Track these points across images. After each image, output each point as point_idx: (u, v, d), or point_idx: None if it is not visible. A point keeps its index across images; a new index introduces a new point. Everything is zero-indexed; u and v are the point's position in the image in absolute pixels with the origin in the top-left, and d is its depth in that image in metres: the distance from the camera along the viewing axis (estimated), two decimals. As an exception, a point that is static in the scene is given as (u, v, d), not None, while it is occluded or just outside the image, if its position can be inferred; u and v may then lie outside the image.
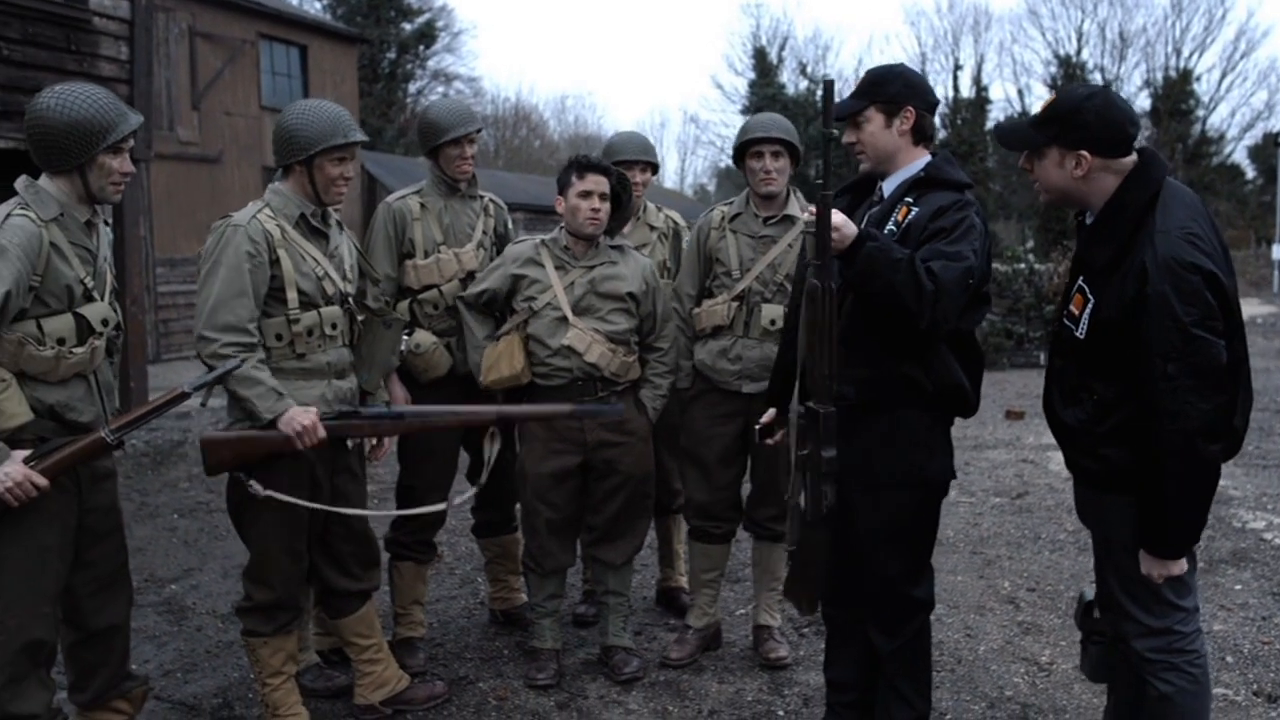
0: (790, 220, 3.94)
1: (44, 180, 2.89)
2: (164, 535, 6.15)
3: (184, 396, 3.03)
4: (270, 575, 3.32)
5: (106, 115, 2.85)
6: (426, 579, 4.27)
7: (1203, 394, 2.45)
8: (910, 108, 2.97)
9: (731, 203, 4.10)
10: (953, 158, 3.11)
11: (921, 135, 3.01)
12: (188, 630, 4.61)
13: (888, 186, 3.03)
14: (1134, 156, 2.63)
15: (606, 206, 3.76)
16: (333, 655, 4.08)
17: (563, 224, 3.86)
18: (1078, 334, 2.67)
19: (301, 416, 3.15)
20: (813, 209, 2.71)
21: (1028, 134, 2.70)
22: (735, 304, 3.92)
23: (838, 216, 2.73)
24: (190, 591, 5.14)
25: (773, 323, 3.85)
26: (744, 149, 3.95)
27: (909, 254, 2.75)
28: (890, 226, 2.91)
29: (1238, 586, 4.95)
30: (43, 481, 2.76)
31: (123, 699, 3.20)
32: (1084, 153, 2.58)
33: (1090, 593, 3.00)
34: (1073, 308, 2.70)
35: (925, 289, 2.71)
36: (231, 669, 4.12)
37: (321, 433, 3.18)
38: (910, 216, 2.89)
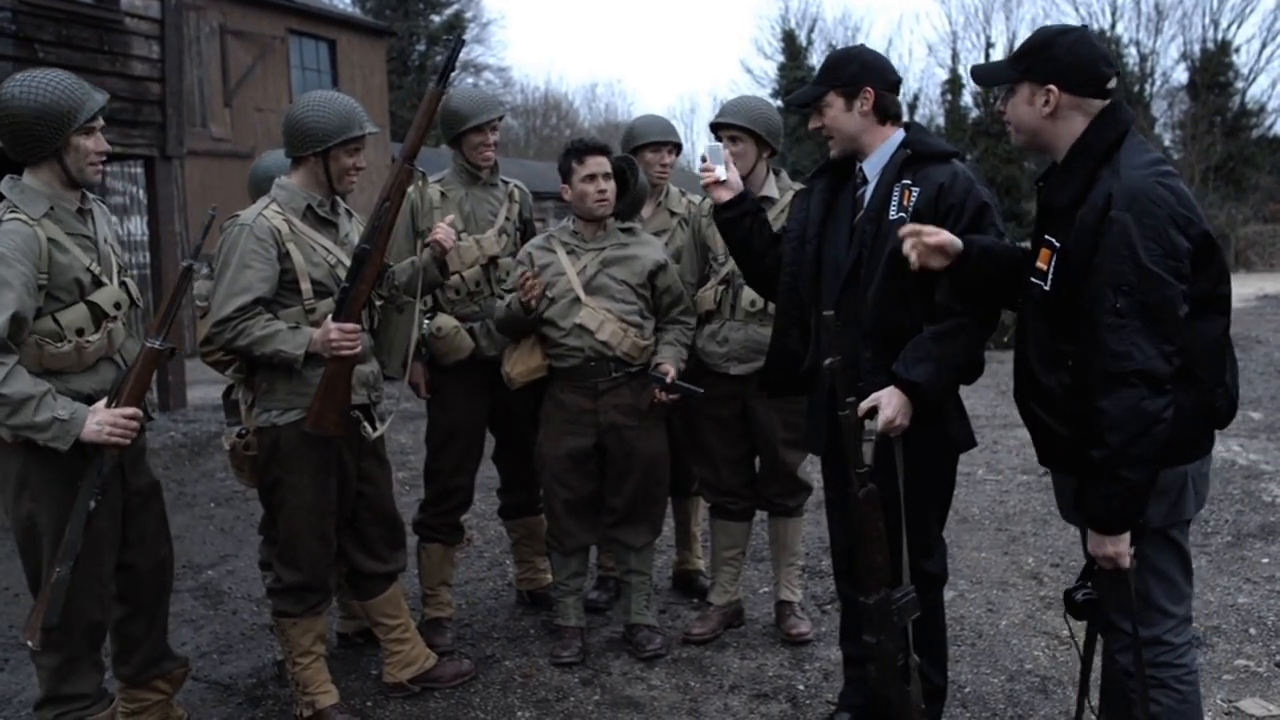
0: (768, 201, 3.98)
1: (27, 176, 2.93)
2: (201, 523, 6.30)
3: (189, 270, 3.07)
4: (299, 558, 3.41)
5: (73, 96, 2.86)
6: (454, 560, 4.35)
7: (1151, 338, 2.27)
8: (869, 88, 2.98)
9: None
10: (925, 127, 3.13)
11: (886, 114, 3.02)
12: (224, 614, 4.73)
13: (870, 168, 3.04)
14: (1105, 102, 2.51)
15: (612, 185, 3.83)
16: (357, 638, 4.19)
17: (571, 212, 3.94)
18: (1045, 287, 2.49)
19: (327, 329, 3.21)
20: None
21: (1001, 69, 2.63)
22: (721, 288, 3.97)
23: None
24: (226, 577, 5.27)
25: (753, 304, 3.89)
26: (713, 133, 3.99)
27: (926, 339, 2.84)
28: (898, 213, 2.90)
29: (1265, 560, 4.94)
30: (132, 410, 2.88)
31: (163, 678, 3.32)
32: (1052, 87, 2.47)
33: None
34: (1039, 264, 2.52)
35: (962, 321, 2.83)
36: (266, 651, 4.23)
37: (349, 329, 3.22)
38: (914, 200, 2.89)
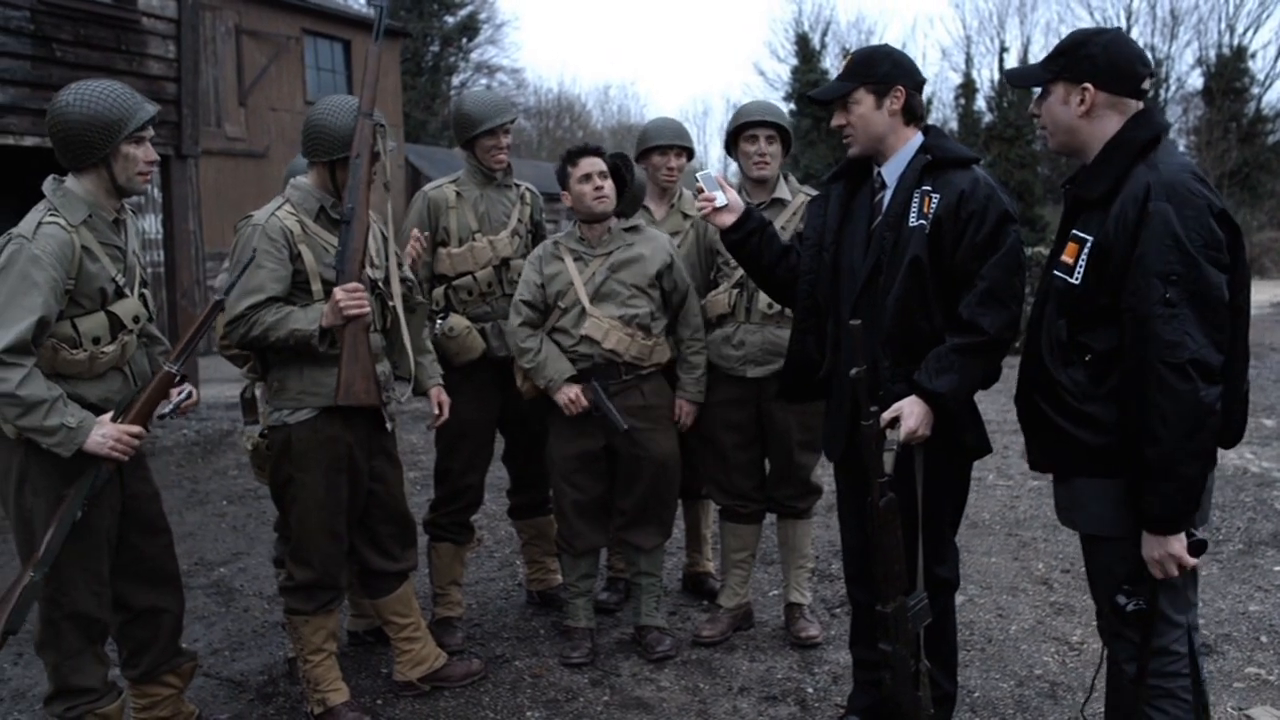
0: (780, 204, 3.98)
1: (71, 181, 2.96)
2: (213, 521, 6.33)
3: (220, 304, 3.11)
4: (311, 555, 3.42)
5: (124, 106, 2.92)
6: (464, 560, 4.37)
7: (1202, 327, 2.25)
8: (900, 87, 2.94)
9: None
10: (943, 132, 3.10)
11: (911, 115, 2.98)
12: (235, 611, 4.76)
13: (889, 173, 2.99)
14: (1140, 104, 2.49)
15: (608, 184, 3.85)
16: (367, 636, 4.21)
17: (576, 218, 3.95)
18: (1072, 280, 2.45)
19: (333, 295, 3.20)
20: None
21: (1035, 70, 2.59)
22: (735, 291, 3.96)
23: (906, 418, 2.82)
24: (238, 574, 5.29)
25: (770, 306, 3.87)
26: (738, 133, 3.99)
27: (949, 350, 2.82)
28: (918, 219, 2.87)
29: (1277, 568, 4.92)
30: (137, 429, 2.92)
31: (173, 673, 3.33)
32: (1088, 85, 2.45)
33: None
34: (1065, 257, 2.48)
35: (985, 340, 2.79)
36: (277, 648, 4.25)
37: (351, 287, 3.21)
38: (935, 207, 2.85)
